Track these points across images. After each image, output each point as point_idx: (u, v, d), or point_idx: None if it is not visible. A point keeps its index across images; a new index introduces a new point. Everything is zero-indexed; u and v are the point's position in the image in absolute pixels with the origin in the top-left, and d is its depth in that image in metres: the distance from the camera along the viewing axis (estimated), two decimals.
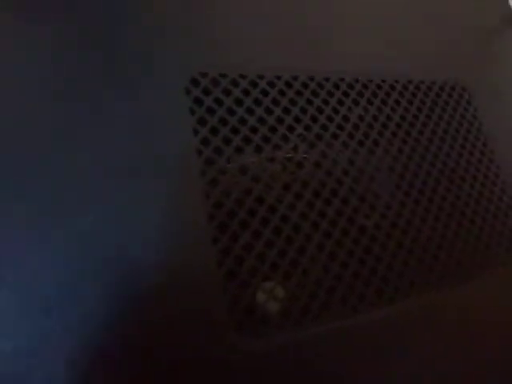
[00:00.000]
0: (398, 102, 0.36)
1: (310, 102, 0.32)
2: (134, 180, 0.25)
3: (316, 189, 0.30)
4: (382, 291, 0.29)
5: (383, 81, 0.36)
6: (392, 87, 0.36)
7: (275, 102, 0.31)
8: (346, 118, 0.33)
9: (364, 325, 0.28)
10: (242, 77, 0.30)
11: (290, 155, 0.31)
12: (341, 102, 0.34)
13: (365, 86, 0.35)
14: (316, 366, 0.26)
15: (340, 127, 0.33)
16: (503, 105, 0.41)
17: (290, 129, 0.31)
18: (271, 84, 0.31)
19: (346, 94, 0.34)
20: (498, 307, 0.34)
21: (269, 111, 0.30)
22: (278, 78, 0.32)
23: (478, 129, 0.39)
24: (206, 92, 0.28)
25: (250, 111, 0.30)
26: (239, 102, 0.29)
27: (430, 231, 0.33)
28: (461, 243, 0.34)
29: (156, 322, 0.23)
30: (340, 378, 0.27)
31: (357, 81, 0.35)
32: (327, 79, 0.34)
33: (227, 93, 0.29)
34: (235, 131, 0.29)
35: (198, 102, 0.28)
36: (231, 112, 0.29)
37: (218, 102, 0.29)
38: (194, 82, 0.28)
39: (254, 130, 0.29)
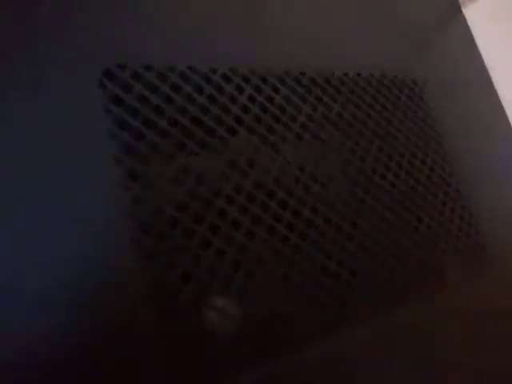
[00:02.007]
0: (348, 98, 0.33)
1: (252, 98, 0.28)
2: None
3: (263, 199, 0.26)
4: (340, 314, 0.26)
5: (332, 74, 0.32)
6: (341, 81, 0.33)
7: (212, 98, 0.26)
8: (293, 118, 0.29)
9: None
10: (171, 70, 0.25)
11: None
12: (288, 99, 0.30)
13: (313, 81, 0.31)
14: None
15: (287, 126, 0.29)
16: (455, 98, 0.39)
17: (230, 130, 0.26)
18: (207, 78, 0.27)
19: (293, 90, 0.30)
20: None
21: (204, 110, 0.26)
22: (213, 71, 0.27)
23: (432, 125, 0.36)
24: (126, 88, 0.23)
25: (183, 110, 0.25)
26: (168, 100, 0.25)
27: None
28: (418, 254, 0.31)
29: None
30: None
31: (303, 74, 0.31)
32: (270, 75, 0.30)
33: (153, 89, 0.24)
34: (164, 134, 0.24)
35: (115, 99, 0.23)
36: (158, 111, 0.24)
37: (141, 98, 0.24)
38: (110, 76, 0.23)
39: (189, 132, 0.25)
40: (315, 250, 0.26)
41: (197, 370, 0.20)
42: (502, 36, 0.43)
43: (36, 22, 0.22)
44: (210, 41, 0.28)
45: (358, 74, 0.34)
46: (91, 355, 0.18)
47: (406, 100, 0.36)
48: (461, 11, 0.42)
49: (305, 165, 0.29)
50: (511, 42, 0.44)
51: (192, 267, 0.22)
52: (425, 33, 0.40)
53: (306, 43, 0.32)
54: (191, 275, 0.21)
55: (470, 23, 0.41)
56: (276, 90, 0.29)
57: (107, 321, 0.19)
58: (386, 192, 0.32)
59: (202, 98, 0.26)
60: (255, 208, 0.25)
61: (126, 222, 0.20)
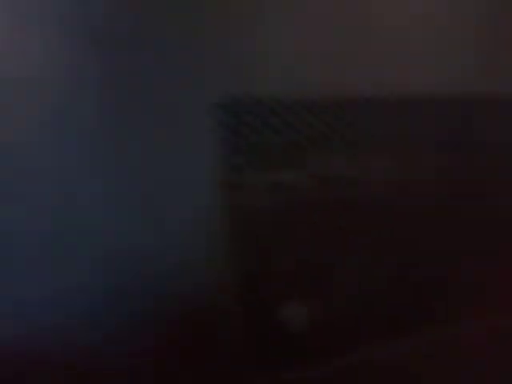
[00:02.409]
0: None
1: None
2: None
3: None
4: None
5: None
6: None
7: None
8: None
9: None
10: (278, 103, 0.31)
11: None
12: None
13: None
14: None
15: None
16: None
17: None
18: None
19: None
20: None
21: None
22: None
23: None
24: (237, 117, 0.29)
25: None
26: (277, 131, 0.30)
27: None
28: None
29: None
30: None
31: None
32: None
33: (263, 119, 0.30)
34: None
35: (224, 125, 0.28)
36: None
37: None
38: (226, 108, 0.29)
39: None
40: (392, 257, 0.30)
41: (271, 358, 0.25)
42: None
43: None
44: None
45: None
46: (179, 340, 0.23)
47: None
48: None
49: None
50: None
51: (279, 268, 0.26)
52: None
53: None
54: (278, 276, 0.26)
55: None
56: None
57: (197, 311, 0.24)
58: None
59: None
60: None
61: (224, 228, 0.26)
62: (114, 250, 0.29)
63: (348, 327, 0.24)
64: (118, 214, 0.30)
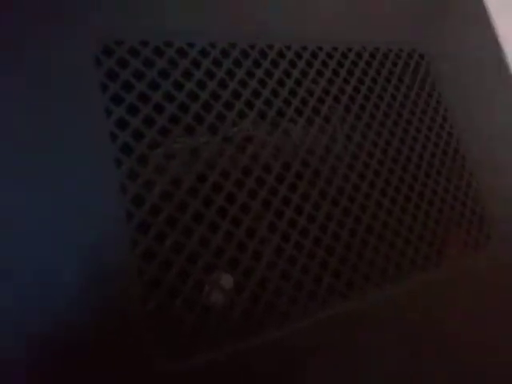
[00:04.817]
0: (351, 72, 0.32)
1: (251, 73, 0.28)
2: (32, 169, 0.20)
3: (259, 174, 0.26)
4: (333, 288, 0.26)
5: (334, 48, 0.32)
6: (344, 55, 0.32)
7: (210, 73, 0.27)
8: (293, 92, 0.29)
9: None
10: (168, 45, 0.25)
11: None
12: (287, 74, 0.30)
13: (313, 55, 0.31)
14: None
15: (286, 102, 0.29)
16: (463, 72, 0.38)
17: (228, 106, 0.27)
18: (203, 53, 0.27)
19: (293, 64, 0.30)
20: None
21: (201, 85, 0.26)
22: (212, 45, 0.27)
23: (438, 99, 0.36)
24: (122, 63, 0.24)
25: (178, 85, 0.25)
26: (164, 75, 0.25)
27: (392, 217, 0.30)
28: (419, 229, 0.31)
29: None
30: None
31: (304, 49, 0.31)
32: (270, 47, 0.29)
33: (149, 63, 0.25)
34: (159, 110, 0.24)
35: (111, 75, 0.23)
36: (153, 86, 0.24)
37: (137, 74, 0.24)
38: (107, 52, 0.23)
39: (186, 108, 0.25)
40: (310, 224, 0.27)
41: (189, 340, 0.21)
42: None
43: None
44: (206, 15, 0.28)
45: (364, 48, 0.34)
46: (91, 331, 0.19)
47: (412, 74, 0.35)
48: None
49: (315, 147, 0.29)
50: None
51: (185, 240, 0.22)
52: (433, 5, 0.39)
53: (308, 15, 0.32)
54: (184, 248, 0.22)
55: None
56: (275, 64, 0.29)
57: (100, 292, 0.20)
58: (388, 168, 0.32)
59: (200, 73, 0.26)
60: (251, 182, 0.26)
61: (119, 197, 0.21)
62: None
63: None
64: None
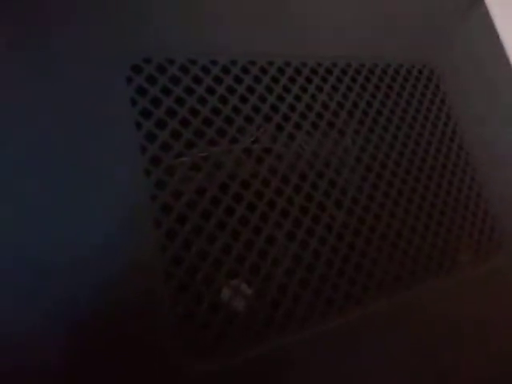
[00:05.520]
0: (364, 87, 0.34)
1: (270, 89, 0.30)
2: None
3: (278, 185, 0.27)
4: (349, 294, 0.27)
5: (348, 65, 0.34)
6: (357, 72, 0.34)
7: (231, 89, 0.28)
8: (309, 107, 0.31)
9: (333, 329, 0.26)
10: (193, 62, 0.27)
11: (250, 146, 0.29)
12: (304, 89, 0.31)
13: (328, 71, 0.32)
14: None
15: (303, 116, 0.30)
16: (473, 87, 0.39)
17: (248, 119, 0.28)
18: (225, 70, 0.28)
19: (308, 80, 0.31)
20: (469, 304, 0.32)
21: (224, 100, 0.28)
22: (234, 62, 0.29)
23: (448, 114, 0.37)
24: (151, 80, 0.25)
25: (203, 100, 0.27)
26: (190, 91, 0.26)
27: (400, 225, 0.31)
28: (431, 237, 0.32)
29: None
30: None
31: (319, 65, 0.32)
32: (288, 64, 0.31)
33: (175, 81, 0.26)
34: (185, 123, 0.25)
35: (140, 91, 0.25)
36: (180, 102, 0.26)
37: (165, 91, 0.26)
38: (136, 69, 0.25)
39: (209, 122, 0.27)
40: (327, 233, 0.28)
41: (210, 344, 0.22)
42: None
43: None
44: (229, 34, 0.29)
45: (376, 65, 0.35)
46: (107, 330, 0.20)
47: (423, 89, 0.37)
48: None
49: (319, 152, 0.30)
50: None
51: (208, 246, 0.24)
52: (443, 20, 0.40)
53: (322, 32, 0.34)
54: (207, 254, 0.23)
55: (491, 10, 0.41)
56: (292, 81, 0.31)
57: (126, 296, 0.21)
58: (400, 179, 0.33)
59: (222, 88, 0.28)
60: (269, 192, 0.27)
61: (149, 205, 0.23)
62: None
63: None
64: None
